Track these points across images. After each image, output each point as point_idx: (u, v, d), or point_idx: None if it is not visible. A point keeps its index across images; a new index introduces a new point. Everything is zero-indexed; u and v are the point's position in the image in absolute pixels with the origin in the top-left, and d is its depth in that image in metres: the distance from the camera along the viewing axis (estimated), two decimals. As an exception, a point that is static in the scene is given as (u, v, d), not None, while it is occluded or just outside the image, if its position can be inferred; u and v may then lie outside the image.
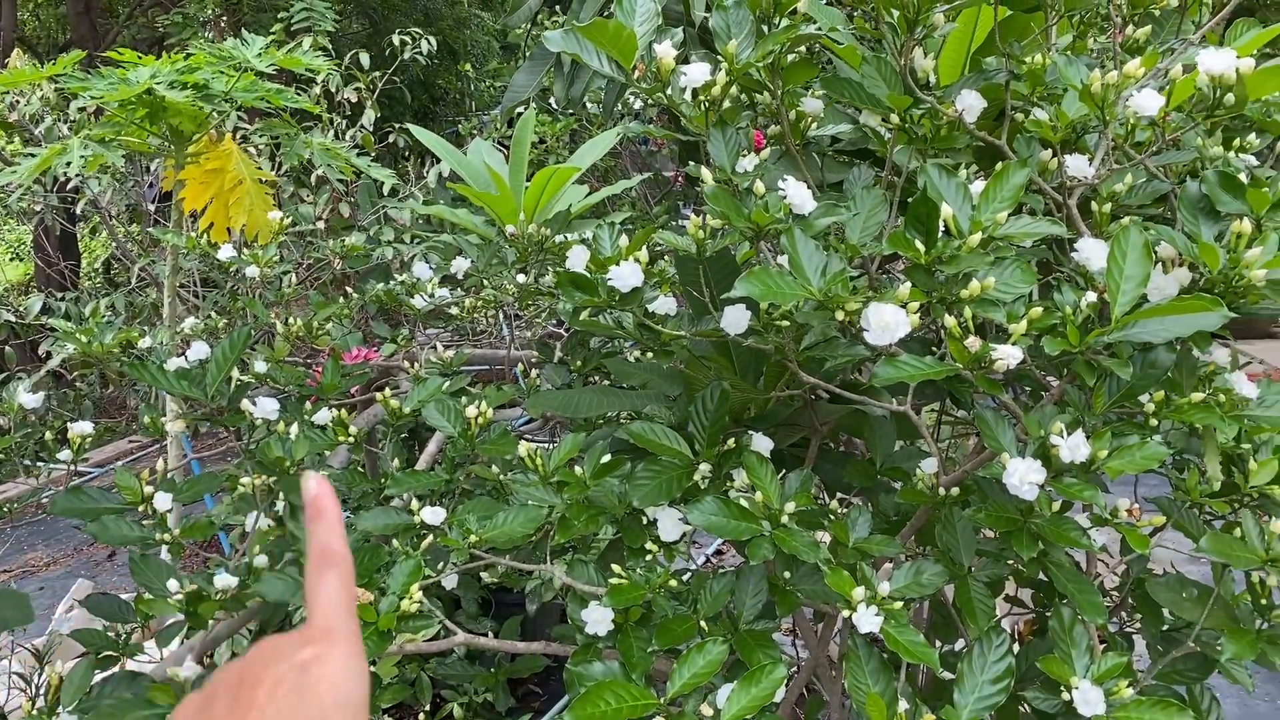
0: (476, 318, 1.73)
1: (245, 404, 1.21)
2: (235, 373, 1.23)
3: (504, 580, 1.94)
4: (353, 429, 1.23)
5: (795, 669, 1.65)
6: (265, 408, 1.19)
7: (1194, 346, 0.94)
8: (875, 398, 1.15)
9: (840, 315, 0.83)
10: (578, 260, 1.04)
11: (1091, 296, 0.86)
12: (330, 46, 3.02)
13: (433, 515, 1.08)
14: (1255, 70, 0.82)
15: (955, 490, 1.07)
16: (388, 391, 1.25)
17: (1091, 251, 0.92)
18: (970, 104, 0.96)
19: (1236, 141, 1.16)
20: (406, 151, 3.93)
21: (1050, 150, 1.00)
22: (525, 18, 1.96)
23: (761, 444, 1.15)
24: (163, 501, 1.12)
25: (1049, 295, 0.93)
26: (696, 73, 0.93)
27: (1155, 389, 0.91)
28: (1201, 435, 0.98)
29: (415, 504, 1.11)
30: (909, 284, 0.83)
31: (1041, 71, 0.98)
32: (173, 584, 1.09)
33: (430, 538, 1.09)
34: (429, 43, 3.04)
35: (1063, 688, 1.00)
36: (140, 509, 1.15)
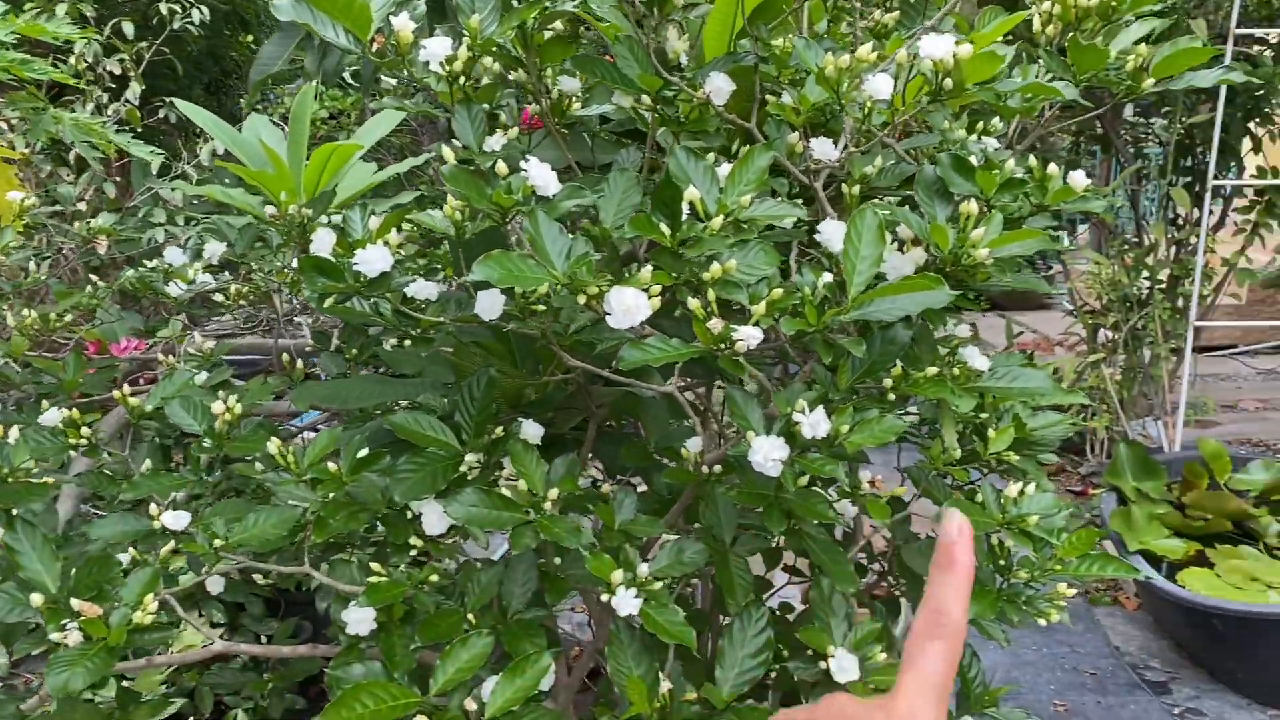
0: (243, 304, 1.63)
1: (-41, 406, 1.09)
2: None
3: (282, 581, 1.86)
4: (86, 430, 1.13)
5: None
6: (-20, 410, 1.08)
7: (930, 323, 0.98)
8: (645, 379, 1.15)
9: (582, 299, 0.82)
10: (323, 244, 0.98)
11: (828, 277, 0.88)
12: (94, 16, 2.78)
13: (174, 520, 1.01)
14: (972, 55, 0.85)
15: (719, 468, 1.08)
16: (126, 389, 1.16)
17: (832, 233, 0.94)
18: (718, 86, 0.96)
19: (980, 125, 1.22)
20: (199, 129, 3.67)
21: (798, 133, 1.02)
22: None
23: (531, 431, 1.13)
24: None
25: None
26: (437, 47, 0.89)
27: (894, 365, 0.94)
28: (940, 407, 1.02)
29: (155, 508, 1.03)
30: (650, 267, 0.83)
31: (787, 55, 0.99)
32: None
33: (172, 544, 1.01)
34: (200, 11, 2.85)
35: (822, 656, 1.04)
36: None
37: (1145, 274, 3.26)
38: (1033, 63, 1.18)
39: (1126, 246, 3.39)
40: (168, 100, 2.82)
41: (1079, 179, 0.97)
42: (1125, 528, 2.65)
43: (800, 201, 1.03)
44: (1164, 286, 3.27)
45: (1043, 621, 1.10)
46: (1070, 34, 1.06)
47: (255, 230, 1.47)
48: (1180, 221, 3.43)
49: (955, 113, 1.24)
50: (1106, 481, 2.90)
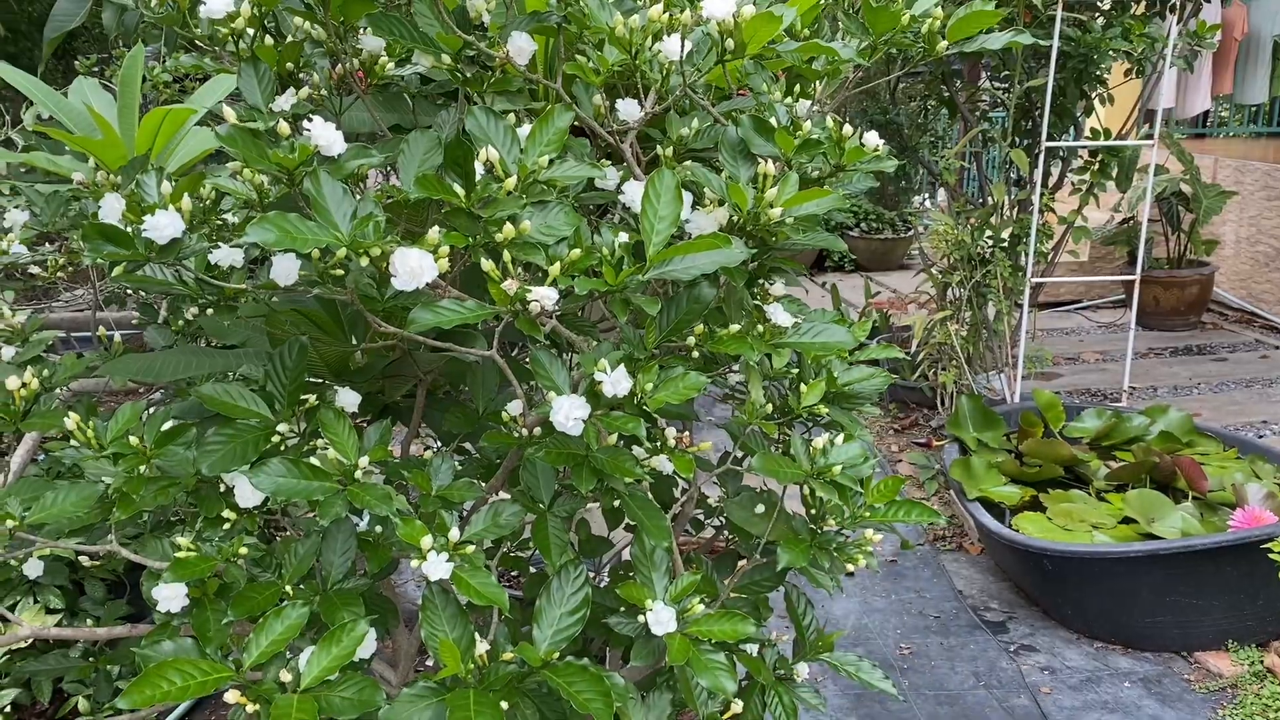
0: (62, 276, 1.56)
1: None
2: None
3: (113, 562, 1.80)
4: None
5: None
6: None
7: (734, 281, 1.00)
8: (468, 344, 1.14)
9: (365, 261, 0.81)
10: (111, 210, 0.94)
11: (624, 237, 0.88)
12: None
13: (-39, 502, 0.96)
14: (753, 17, 0.86)
15: (539, 430, 1.09)
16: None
17: (634, 193, 0.95)
18: (520, 46, 0.96)
19: (797, 88, 1.24)
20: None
21: (600, 94, 1.02)
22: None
23: (347, 399, 1.11)
24: None
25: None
26: (217, 3, 0.86)
27: (699, 323, 0.96)
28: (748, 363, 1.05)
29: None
30: (437, 228, 0.82)
31: (589, 16, 0.99)
32: None
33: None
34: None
35: (641, 611, 1.06)
36: None
37: (989, 233, 3.40)
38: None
39: (971, 207, 3.52)
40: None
41: (872, 140, 1.00)
42: (965, 476, 2.78)
43: (608, 162, 1.03)
44: (1005, 245, 3.41)
45: (851, 567, 1.15)
46: (870, -3, 1.08)
47: (63, 198, 1.40)
48: (1022, 182, 3.57)
49: (775, 76, 1.26)
50: (949, 433, 3.02)
